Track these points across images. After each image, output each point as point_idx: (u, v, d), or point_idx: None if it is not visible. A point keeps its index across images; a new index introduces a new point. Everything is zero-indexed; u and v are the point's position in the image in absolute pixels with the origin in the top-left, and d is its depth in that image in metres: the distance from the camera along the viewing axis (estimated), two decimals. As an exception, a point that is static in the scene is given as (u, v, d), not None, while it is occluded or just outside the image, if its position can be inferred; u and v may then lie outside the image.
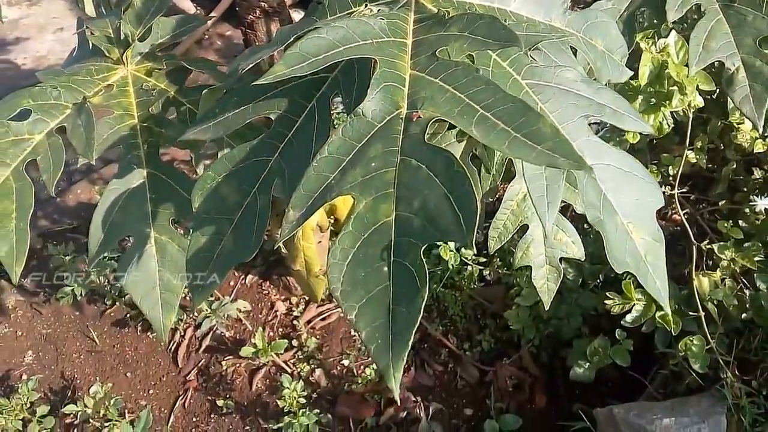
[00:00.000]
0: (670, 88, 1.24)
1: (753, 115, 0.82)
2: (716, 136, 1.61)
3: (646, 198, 0.70)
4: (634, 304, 1.46)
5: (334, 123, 0.68)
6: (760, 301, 1.42)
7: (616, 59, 0.75)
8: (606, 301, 1.49)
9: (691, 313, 1.45)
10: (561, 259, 1.01)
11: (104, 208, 0.82)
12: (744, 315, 1.45)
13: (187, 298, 1.86)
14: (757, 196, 1.50)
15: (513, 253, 1.04)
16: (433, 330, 1.92)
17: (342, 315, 1.96)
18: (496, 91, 0.53)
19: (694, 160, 1.57)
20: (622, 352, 1.58)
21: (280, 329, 2.00)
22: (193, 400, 1.88)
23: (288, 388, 1.75)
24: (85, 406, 1.79)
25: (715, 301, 1.44)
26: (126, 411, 1.85)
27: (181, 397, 1.88)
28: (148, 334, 2.02)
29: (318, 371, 1.88)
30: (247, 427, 1.81)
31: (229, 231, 0.65)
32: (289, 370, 1.88)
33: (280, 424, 1.72)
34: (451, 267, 1.92)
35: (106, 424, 1.77)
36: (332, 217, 1.47)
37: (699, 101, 1.28)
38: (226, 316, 1.95)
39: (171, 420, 1.84)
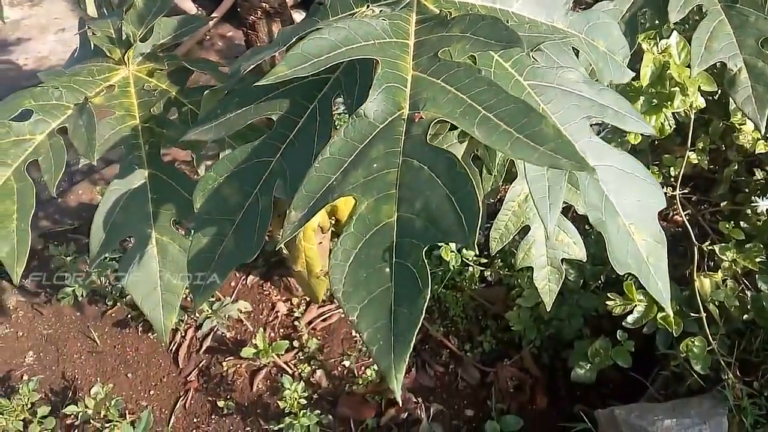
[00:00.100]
0: (672, 89, 1.24)
1: (755, 116, 0.82)
2: (718, 137, 1.60)
3: (648, 199, 0.70)
4: (636, 305, 1.46)
5: (336, 124, 0.68)
6: (761, 302, 1.42)
7: (618, 60, 0.75)
8: (607, 302, 1.48)
9: (692, 314, 1.44)
10: (562, 260, 1.01)
11: (105, 208, 0.82)
12: (745, 316, 1.45)
13: (188, 298, 1.86)
14: (759, 197, 1.50)
15: (514, 254, 1.04)
16: (435, 331, 1.92)
17: (343, 316, 1.96)
18: (498, 92, 0.53)
19: (696, 161, 1.57)
20: (623, 353, 1.58)
21: (281, 330, 2.00)
22: (193, 400, 1.88)
23: (289, 389, 1.75)
24: (86, 406, 1.78)
25: (716, 302, 1.44)
26: (127, 412, 1.85)
27: (181, 398, 1.88)
28: (149, 334, 2.02)
29: (319, 372, 1.88)
30: (248, 428, 1.81)
31: (230, 232, 0.65)
32: (290, 371, 1.88)
33: (281, 425, 1.71)
34: (452, 268, 1.92)
35: (107, 425, 1.77)
36: (334, 218, 1.47)
37: (701, 102, 1.28)
38: (227, 316, 1.95)
39: (172, 421, 1.84)
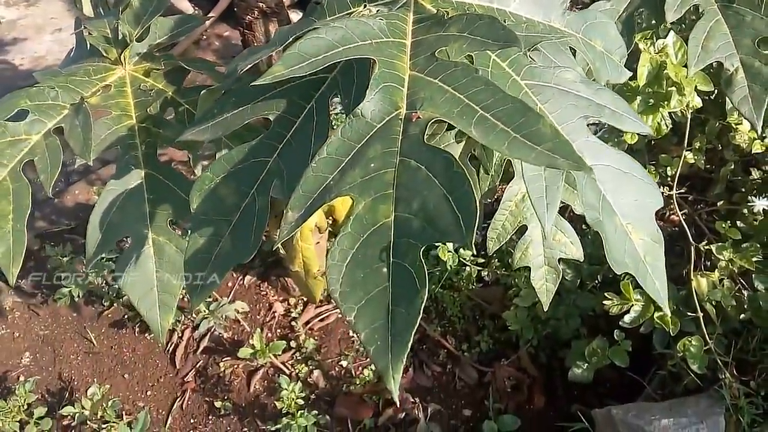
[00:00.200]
0: (669, 89, 1.24)
1: (752, 115, 0.82)
2: (714, 136, 1.61)
3: (645, 199, 0.70)
4: (633, 305, 1.46)
5: (333, 124, 0.68)
6: (758, 301, 1.42)
7: (614, 60, 0.75)
8: (604, 302, 1.48)
9: (689, 314, 1.45)
10: (559, 259, 1.01)
11: (102, 208, 0.82)
12: (742, 315, 1.45)
13: (185, 299, 1.86)
14: (756, 197, 1.50)
15: (511, 254, 1.04)
16: (432, 331, 1.92)
17: (340, 316, 1.96)
18: (495, 91, 0.53)
19: (693, 161, 1.57)
20: (620, 352, 1.58)
21: (279, 330, 2.00)
22: (190, 401, 1.87)
23: (286, 389, 1.74)
24: (83, 407, 1.78)
25: (713, 302, 1.44)
26: (123, 412, 1.85)
27: (178, 399, 1.88)
28: (146, 335, 2.01)
29: (316, 372, 1.88)
30: (245, 429, 1.80)
31: (227, 232, 0.65)
32: (287, 372, 1.88)
33: (278, 426, 1.71)
34: (449, 268, 1.92)
35: (104, 426, 1.76)
36: (331, 218, 1.47)
37: (697, 102, 1.28)
38: (224, 317, 1.95)
39: (169, 421, 1.84)
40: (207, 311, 1.93)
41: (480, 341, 1.88)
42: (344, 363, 1.89)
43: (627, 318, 1.48)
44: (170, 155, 2.18)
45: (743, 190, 1.68)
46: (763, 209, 1.48)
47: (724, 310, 1.44)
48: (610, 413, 1.51)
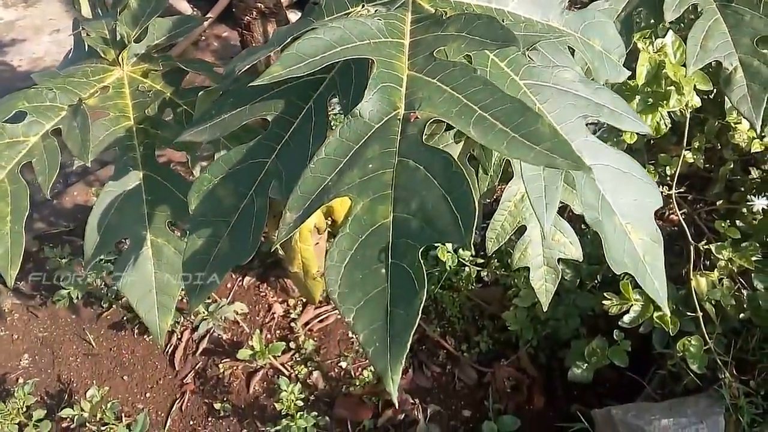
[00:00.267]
0: (668, 88, 1.24)
1: (750, 114, 0.82)
2: (713, 135, 1.61)
3: (645, 198, 0.70)
4: (632, 305, 1.46)
5: (332, 124, 0.68)
6: (757, 300, 1.42)
7: (613, 59, 0.75)
8: (604, 302, 1.48)
9: (688, 314, 1.44)
10: (559, 259, 1.01)
11: (100, 210, 0.81)
12: (742, 315, 1.45)
13: (184, 300, 1.85)
14: (755, 196, 1.50)
15: (511, 254, 1.04)
16: (431, 331, 1.91)
17: (340, 317, 1.96)
18: (494, 91, 0.53)
19: (692, 160, 1.57)
20: (620, 352, 1.58)
21: (278, 331, 2.00)
22: (190, 403, 1.87)
23: (285, 390, 1.74)
24: (82, 409, 1.78)
25: (712, 301, 1.44)
26: (123, 414, 1.84)
27: (178, 401, 1.87)
28: (145, 336, 2.01)
29: (316, 373, 1.87)
30: (245, 430, 1.80)
31: (225, 233, 0.65)
32: (287, 373, 1.88)
33: (278, 427, 1.71)
34: (448, 268, 1.92)
35: (103, 428, 1.76)
36: (330, 218, 1.47)
37: (696, 101, 1.28)
38: (223, 318, 1.95)
39: (168, 423, 1.83)
40: (206, 312, 1.93)
41: (479, 342, 1.88)
42: (343, 364, 1.89)
43: (626, 318, 1.48)
44: (169, 156, 2.18)
45: (742, 189, 1.68)
46: (763, 208, 1.48)
47: (724, 309, 1.44)
48: (610, 413, 1.51)
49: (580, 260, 1.01)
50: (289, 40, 0.63)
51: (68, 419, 1.79)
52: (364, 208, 0.51)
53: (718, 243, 1.45)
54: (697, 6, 0.88)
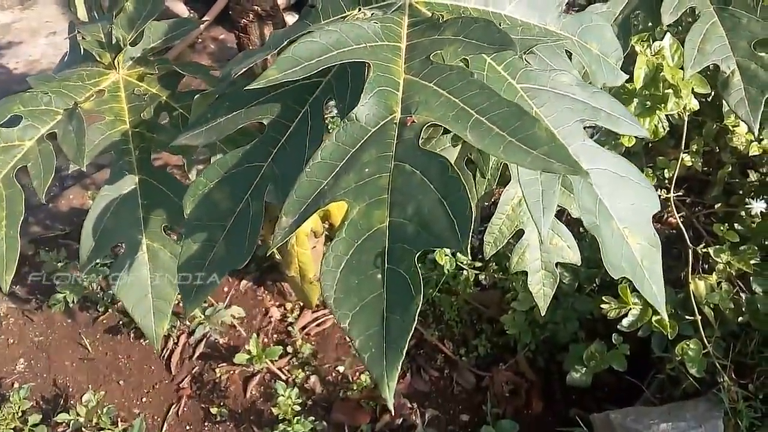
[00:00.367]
0: (666, 91, 1.24)
1: (748, 118, 0.82)
2: (711, 139, 1.61)
3: (642, 202, 0.70)
4: (631, 309, 1.46)
5: (328, 128, 0.67)
6: (756, 304, 1.42)
7: (611, 62, 0.75)
8: (602, 306, 1.48)
9: (687, 317, 1.44)
10: (557, 263, 1.01)
11: (96, 214, 0.81)
12: (740, 318, 1.45)
13: (180, 304, 1.84)
14: (753, 199, 1.50)
15: (509, 258, 1.04)
16: (429, 335, 1.91)
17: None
18: (490, 95, 0.52)
19: (690, 163, 1.57)
20: (618, 356, 1.57)
21: (275, 335, 1.99)
22: (186, 407, 1.86)
23: (282, 395, 1.73)
24: (78, 414, 1.77)
25: (711, 305, 1.44)
26: (119, 419, 1.83)
27: (174, 405, 1.87)
28: (141, 341, 2.00)
29: (313, 378, 1.87)
30: (242, 435, 1.79)
31: (221, 237, 0.65)
32: (284, 377, 1.87)
33: (275, 432, 1.70)
34: (446, 272, 1.91)
35: (99, 433, 1.75)
36: (327, 222, 1.46)
37: (694, 104, 1.28)
38: (219, 322, 1.94)
39: (164, 428, 1.83)
40: (203, 317, 1.93)
41: (478, 345, 1.88)
42: (341, 368, 1.89)
43: (625, 322, 1.47)
44: (165, 160, 2.18)
45: (741, 192, 1.68)
46: (761, 211, 1.48)
47: (722, 313, 1.44)
48: (609, 418, 1.50)
49: (579, 264, 1.01)
50: (285, 43, 0.63)
51: (64, 424, 1.78)
52: (360, 212, 0.51)
53: (717, 246, 1.44)
54: (695, 9, 0.88)
